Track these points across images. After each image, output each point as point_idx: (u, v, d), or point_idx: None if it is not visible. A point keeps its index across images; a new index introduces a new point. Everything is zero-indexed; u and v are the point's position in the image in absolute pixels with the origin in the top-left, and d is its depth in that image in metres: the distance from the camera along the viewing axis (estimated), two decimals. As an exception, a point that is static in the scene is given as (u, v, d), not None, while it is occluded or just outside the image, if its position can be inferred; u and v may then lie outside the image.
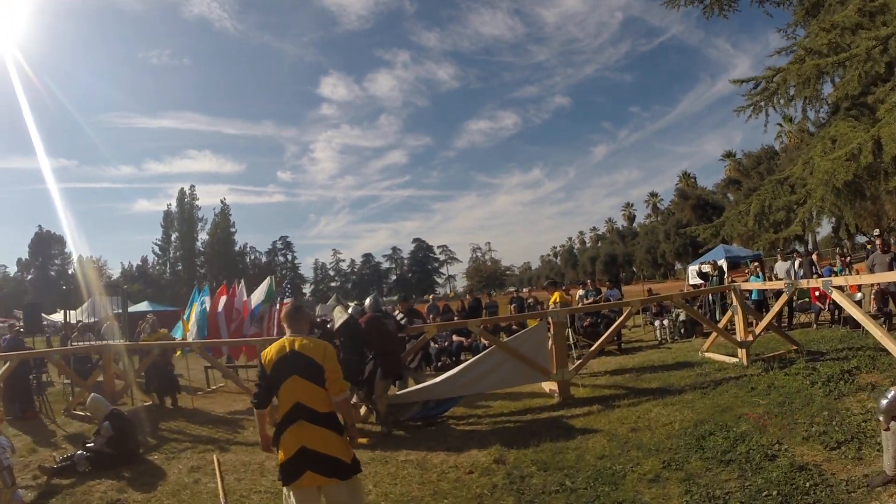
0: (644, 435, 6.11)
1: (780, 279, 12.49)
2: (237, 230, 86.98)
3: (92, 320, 18.10)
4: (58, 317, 24.86)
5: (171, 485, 6.14)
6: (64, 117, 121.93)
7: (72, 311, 19.01)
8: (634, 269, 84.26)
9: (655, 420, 6.58)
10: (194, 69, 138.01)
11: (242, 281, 15.02)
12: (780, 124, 51.58)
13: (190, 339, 12.90)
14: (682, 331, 13.39)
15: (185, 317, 14.70)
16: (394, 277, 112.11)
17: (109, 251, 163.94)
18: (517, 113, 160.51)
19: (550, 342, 8.61)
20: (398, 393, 8.39)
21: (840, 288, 7.53)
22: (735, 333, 9.28)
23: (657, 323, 13.81)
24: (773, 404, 6.38)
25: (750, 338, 9.02)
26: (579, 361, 8.94)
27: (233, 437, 8.21)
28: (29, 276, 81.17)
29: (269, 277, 15.10)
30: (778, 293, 8.69)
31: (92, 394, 7.70)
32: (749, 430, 5.64)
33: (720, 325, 9.86)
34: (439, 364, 12.09)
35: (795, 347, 9.00)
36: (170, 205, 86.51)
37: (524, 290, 23.02)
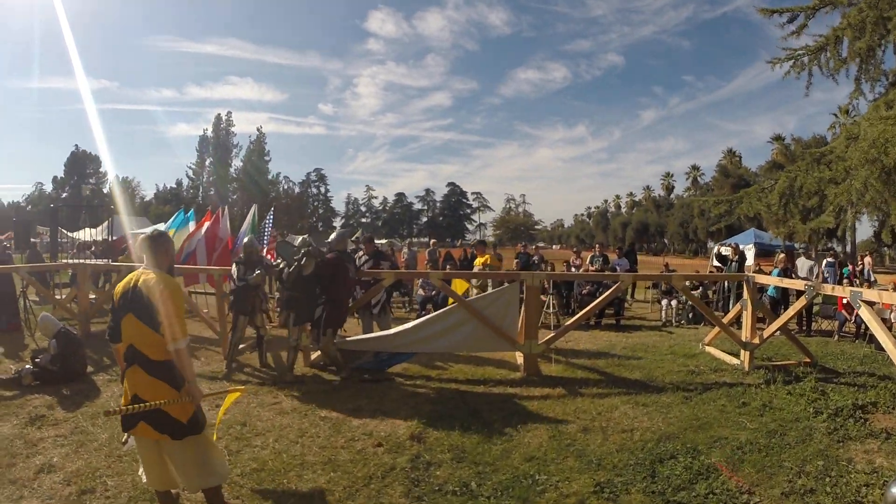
0: (593, 439, 5.09)
1: (802, 278, 11.18)
2: (272, 159, 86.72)
3: (111, 238, 18.95)
4: (81, 234, 25.34)
5: (97, 406, 6.02)
6: (107, 39, 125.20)
7: (92, 229, 19.75)
8: (666, 241, 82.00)
9: (617, 422, 5.53)
10: None
11: (226, 209, 14.40)
12: (835, 115, 47.43)
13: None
14: (691, 315, 12.16)
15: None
16: (424, 219, 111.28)
17: (146, 173, 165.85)
18: (567, 66, 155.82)
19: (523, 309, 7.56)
20: (350, 339, 7.66)
21: (871, 303, 6.20)
22: (742, 331, 8.03)
23: (664, 302, 12.56)
24: (761, 432, 5.22)
25: (756, 340, 7.80)
26: (552, 334, 7.87)
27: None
28: (63, 195, 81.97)
29: (253, 206, 14.35)
30: (800, 294, 7.35)
31: (42, 313, 7.72)
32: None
33: (727, 319, 8.60)
34: (423, 313, 11.25)
35: (808, 361, 7.80)
36: (206, 129, 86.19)
37: (534, 245, 21.19)
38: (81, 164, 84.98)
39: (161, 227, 14.87)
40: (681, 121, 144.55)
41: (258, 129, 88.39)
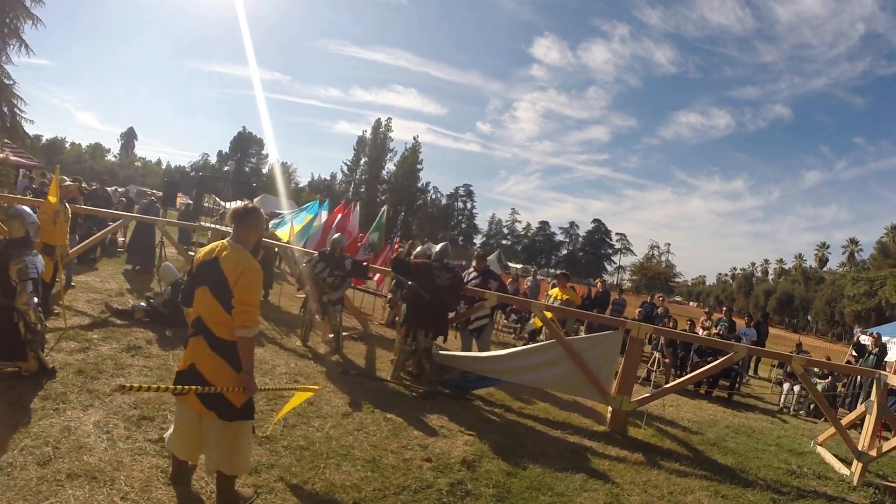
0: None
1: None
2: (424, 168, 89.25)
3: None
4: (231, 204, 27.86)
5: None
6: (284, 36, 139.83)
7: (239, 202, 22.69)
8: (809, 319, 74.97)
9: (685, 508, 4.96)
10: (411, 10, 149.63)
11: (358, 204, 14.92)
12: None
13: (293, 244, 13.13)
14: (812, 406, 10.76)
15: (294, 221, 14.78)
16: (564, 252, 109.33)
17: (304, 161, 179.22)
18: (732, 114, 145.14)
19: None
20: (443, 353, 7.57)
21: None
22: (860, 437, 6.89)
23: (786, 386, 11.31)
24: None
25: (874, 452, 6.65)
26: (646, 395, 7.27)
27: (280, 338, 8.46)
28: (226, 168, 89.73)
29: (384, 207, 14.87)
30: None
31: (165, 263, 8.55)
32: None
33: (848, 420, 7.52)
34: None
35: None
36: (365, 131, 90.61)
37: (660, 296, 19.42)
38: (246, 144, 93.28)
39: (299, 213, 15.65)
40: (846, 187, 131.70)
41: (414, 138, 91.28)
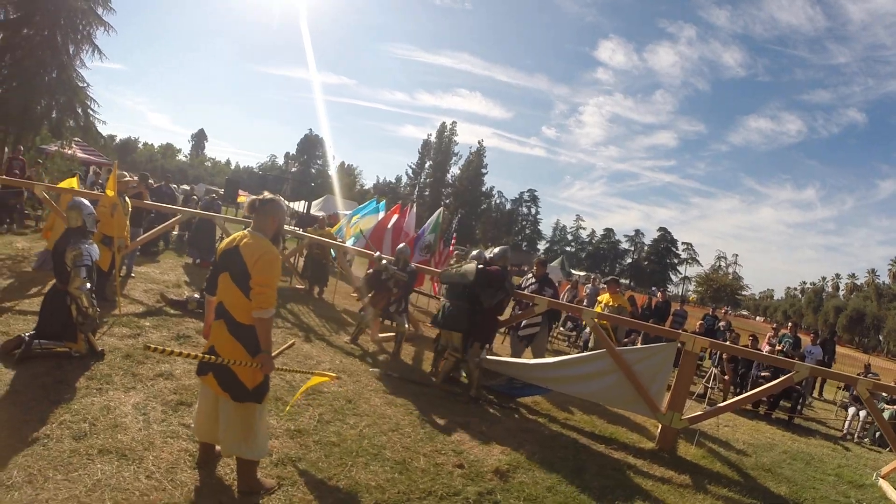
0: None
1: None
2: (488, 172, 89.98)
3: (321, 214, 21.60)
4: (295, 204, 29.53)
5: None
6: (350, 40, 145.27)
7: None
8: (881, 338, 70.92)
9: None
10: (475, 14, 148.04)
11: (415, 205, 14.99)
12: None
13: (348, 244, 13.11)
14: (877, 434, 9.92)
15: (352, 222, 14.90)
16: (629, 260, 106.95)
17: (370, 164, 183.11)
18: (803, 119, 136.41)
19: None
20: (491, 358, 7.35)
21: None
22: None
23: (851, 410, 10.57)
24: None
25: None
26: (699, 412, 6.91)
27: (329, 335, 8.51)
28: (293, 169, 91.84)
29: (440, 208, 14.87)
30: None
31: None
32: None
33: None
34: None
35: None
36: (430, 135, 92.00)
37: (723, 309, 18.45)
38: (312, 146, 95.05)
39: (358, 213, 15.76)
40: None
41: (479, 143, 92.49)
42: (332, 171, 78.06)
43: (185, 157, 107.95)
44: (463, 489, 4.25)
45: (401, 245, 8.94)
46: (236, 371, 3.43)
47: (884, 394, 10.29)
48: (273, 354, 3.51)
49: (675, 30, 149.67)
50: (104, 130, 25.20)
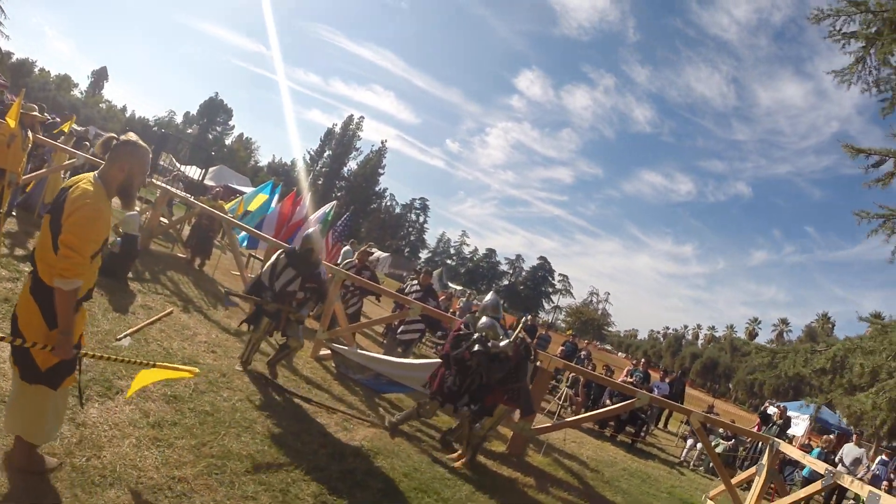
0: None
1: (846, 466, 10.35)
2: (385, 173, 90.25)
3: (212, 184, 20.58)
4: (187, 168, 28.21)
5: (117, 307, 6.46)
6: (277, 11, 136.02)
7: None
8: (730, 386, 77.63)
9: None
10: (409, 15, 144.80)
11: (310, 194, 14.94)
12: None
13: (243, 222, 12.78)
14: (711, 465, 10.98)
15: (245, 199, 14.75)
16: (506, 282, 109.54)
17: (267, 140, 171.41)
18: (695, 182, 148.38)
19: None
20: (363, 353, 7.67)
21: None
22: (749, 496, 7.31)
23: (689, 441, 11.85)
24: None
25: None
26: (548, 424, 7.61)
27: (205, 308, 8.32)
28: (189, 130, 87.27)
29: (331, 203, 14.91)
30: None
31: (127, 213, 8.35)
32: None
33: (739, 479, 7.94)
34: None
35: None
36: (335, 124, 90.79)
37: (585, 341, 20.18)
38: (214, 111, 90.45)
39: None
40: (789, 271, 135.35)
41: (382, 142, 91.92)
42: (229, 141, 74.20)
43: (82, 93, 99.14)
44: (328, 466, 4.56)
45: (309, 230, 6.86)
46: (26, 341, 2.81)
47: (721, 430, 11.57)
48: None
49: (596, 76, 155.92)
50: (4, 45, 22.44)
